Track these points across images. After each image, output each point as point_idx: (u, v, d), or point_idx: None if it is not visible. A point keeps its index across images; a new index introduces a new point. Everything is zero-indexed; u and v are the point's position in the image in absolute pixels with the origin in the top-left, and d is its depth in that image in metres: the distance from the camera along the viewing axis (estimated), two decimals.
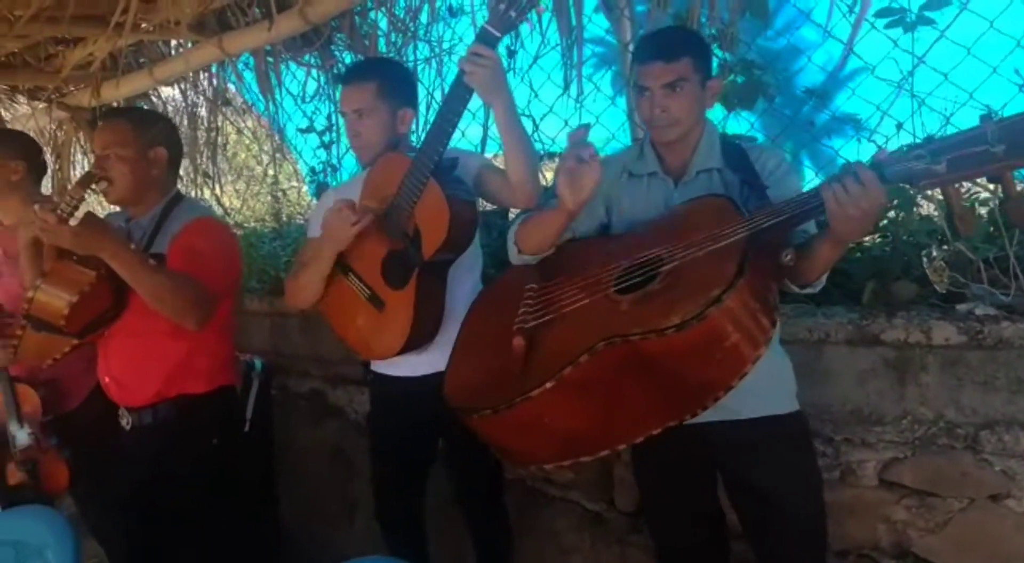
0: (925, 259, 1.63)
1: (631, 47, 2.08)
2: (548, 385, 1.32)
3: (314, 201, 3.43)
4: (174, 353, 2.00)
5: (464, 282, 1.88)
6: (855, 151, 2.00)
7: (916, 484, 1.66)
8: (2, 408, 2.30)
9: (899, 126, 1.87)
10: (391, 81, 1.84)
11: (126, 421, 2.08)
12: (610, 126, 2.38)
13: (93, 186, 1.85)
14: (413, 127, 1.99)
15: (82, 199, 1.71)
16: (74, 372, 2.33)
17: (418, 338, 1.78)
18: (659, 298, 1.31)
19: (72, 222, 1.73)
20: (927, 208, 1.82)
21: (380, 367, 2.00)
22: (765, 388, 1.35)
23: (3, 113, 3.61)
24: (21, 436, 2.30)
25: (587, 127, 1.43)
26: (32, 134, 3.72)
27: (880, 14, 1.81)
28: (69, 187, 1.74)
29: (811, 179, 2.13)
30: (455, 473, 2.11)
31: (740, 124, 2.12)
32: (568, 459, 1.44)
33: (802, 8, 1.92)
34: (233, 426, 2.23)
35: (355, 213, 1.73)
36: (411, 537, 2.12)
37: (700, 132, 1.57)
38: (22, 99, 3.60)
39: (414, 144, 1.92)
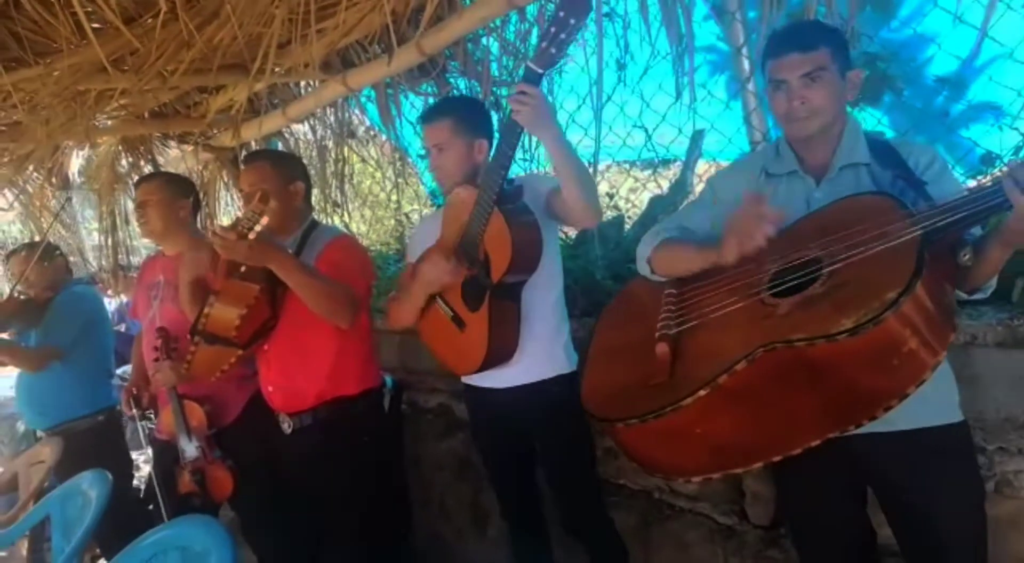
0: None
1: (744, 51, 2.05)
2: (701, 393, 1.27)
3: None
4: (327, 358, 2.21)
5: (544, 299, 1.98)
6: (996, 140, 1.87)
7: None
8: (173, 423, 2.54)
9: None
10: (465, 116, 1.97)
11: (287, 425, 2.28)
12: (726, 131, 2.34)
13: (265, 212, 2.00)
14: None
15: (258, 219, 1.87)
16: (229, 389, 2.55)
17: (495, 355, 1.91)
18: (824, 301, 1.24)
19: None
20: None
21: (470, 379, 2.13)
22: (925, 397, 1.26)
23: (157, 157, 3.99)
24: (190, 449, 2.53)
25: (764, 196, 1.39)
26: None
27: None
28: (243, 215, 1.92)
29: None
30: (554, 490, 2.15)
31: (866, 121, 2.03)
32: (718, 471, 1.40)
33: None
34: (380, 425, 2.39)
35: (447, 261, 1.86)
36: (535, 538, 2.21)
37: (842, 126, 1.50)
38: (172, 144, 3.96)
39: None
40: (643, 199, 3.02)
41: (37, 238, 3.80)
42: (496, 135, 2.03)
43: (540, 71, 1.60)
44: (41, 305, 3.05)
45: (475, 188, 1.82)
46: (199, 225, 3.67)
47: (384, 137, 3.63)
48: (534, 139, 2.75)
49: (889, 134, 1.96)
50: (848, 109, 1.53)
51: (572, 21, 1.51)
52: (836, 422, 1.26)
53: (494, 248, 1.79)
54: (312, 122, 3.76)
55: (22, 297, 3.00)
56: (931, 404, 1.37)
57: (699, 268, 1.50)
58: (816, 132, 1.47)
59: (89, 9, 1.95)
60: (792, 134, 1.52)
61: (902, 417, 1.32)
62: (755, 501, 2.11)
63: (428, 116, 2.02)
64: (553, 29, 1.54)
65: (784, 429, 1.30)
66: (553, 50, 1.56)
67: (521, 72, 2.78)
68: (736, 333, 1.31)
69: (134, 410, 2.74)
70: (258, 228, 1.86)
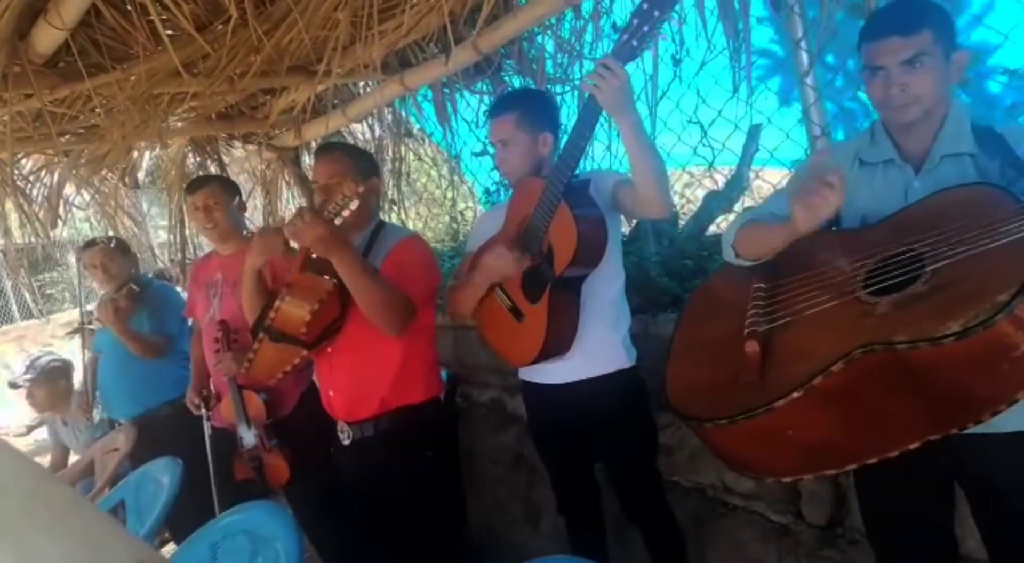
0: None
1: (803, 44, 2.02)
2: (795, 395, 1.21)
3: None
4: (394, 362, 2.09)
5: (604, 294, 1.96)
6: None
7: None
8: (232, 412, 2.64)
9: None
10: (529, 111, 1.96)
11: (346, 435, 2.16)
12: (783, 126, 2.32)
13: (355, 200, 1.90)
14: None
15: (347, 205, 1.81)
16: (285, 384, 2.57)
17: (552, 348, 1.89)
18: (927, 301, 1.17)
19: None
20: None
21: (527, 375, 2.12)
22: None
23: (223, 157, 4.14)
24: (248, 436, 2.61)
25: (827, 151, 1.34)
26: (246, 173, 4.26)
27: None
28: (335, 198, 1.86)
29: None
30: (614, 484, 2.14)
31: None
32: (810, 472, 1.35)
33: None
34: (443, 437, 2.33)
35: (512, 251, 1.85)
36: (592, 533, 2.21)
37: (944, 111, 1.40)
38: (237, 144, 4.10)
39: None
40: (698, 195, 3.00)
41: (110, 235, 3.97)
42: (562, 128, 2.02)
43: (620, 64, 1.58)
44: (137, 297, 3.20)
45: (542, 180, 1.81)
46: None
47: (431, 140, 3.68)
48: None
49: None
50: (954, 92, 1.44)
51: (656, 13, 1.49)
52: (937, 425, 1.19)
53: (558, 240, 1.78)
54: (370, 121, 3.85)
55: (135, 289, 3.17)
56: None
57: (780, 242, 1.43)
58: (916, 119, 1.40)
59: (164, 17, 2.05)
60: (889, 120, 1.45)
61: (1009, 418, 1.23)
62: (812, 500, 2.09)
63: (493, 110, 2.04)
64: (636, 21, 1.52)
65: (881, 432, 1.24)
66: (635, 42, 1.54)
67: (577, 69, 2.81)
68: (831, 332, 1.26)
69: (203, 410, 2.84)
70: (345, 214, 1.81)
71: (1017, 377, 1.10)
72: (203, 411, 2.84)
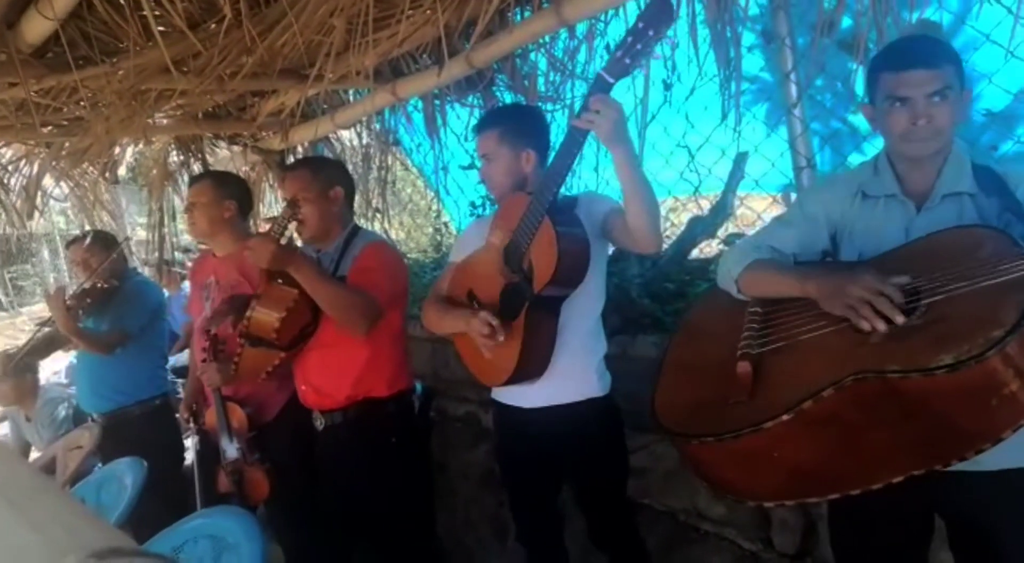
0: None
1: (792, 77, 2.05)
2: (784, 417, 1.21)
3: None
4: (360, 360, 2.25)
5: (584, 317, 1.93)
6: None
7: None
8: (215, 424, 2.60)
9: None
10: (512, 127, 1.95)
11: (320, 422, 2.36)
12: (769, 155, 2.35)
13: (296, 216, 2.15)
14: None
15: (286, 227, 1.98)
16: (270, 389, 2.59)
17: (525, 369, 1.84)
18: (922, 333, 1.18)
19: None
20: None
21: (499, 396, 2.07)
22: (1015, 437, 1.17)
23: (207, 157, 4.10)
24: (230, 449, 2.58)
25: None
26: None
27: None
28: (276, 217, 2.08)
29: None
30: (583, 510, 2.11)
31: None
32: (793, 499, 1.35)
33: (981, 29, 1.81)
34: (410, 427, 2.41)
35: (494, 334, 1.78)
36: (553, 560, 2.16)
37: (948, 151, 1.42)
38: (222, 144, 4.07)
39: None
40: (683, 219, 3.02)
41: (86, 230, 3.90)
42: (551, 146, 2.00)
43: (611, 81, 1.57)
44: (109, 292, 3.14)
45: (527, 196, 1.79)
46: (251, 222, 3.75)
47: (425, 148, 3.68)
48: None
49: None
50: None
51: (651, 33, 1.49)
52: (923, 460, 1.19)
53: (539, 257, 1.74)
54: (358, 128, 3.84)
55: (103, 286, 3.09)
56: (1016, 444, 1.26)
57: (789, 294, 1.44)
58: (933, 152, 1.40)
59: (157, 13, 2.02)
60: (908, 153, 1.43)
61: (993, 456, 1.22)
62: (782, 528, 2.09)
63: (478, 126, 2.05)
64: (630, 39, 1.52)
65: (867, 462, 1.23)
66: (628, 60, 1.54)
67: (568, 88, 2.82)
68: (824, 359, 1.26)
69: (192, 424, 2.79)
70: (288, 233, 1.96)
71: (1004, 416, 1.11)
72: (192, 426, 2.79)
